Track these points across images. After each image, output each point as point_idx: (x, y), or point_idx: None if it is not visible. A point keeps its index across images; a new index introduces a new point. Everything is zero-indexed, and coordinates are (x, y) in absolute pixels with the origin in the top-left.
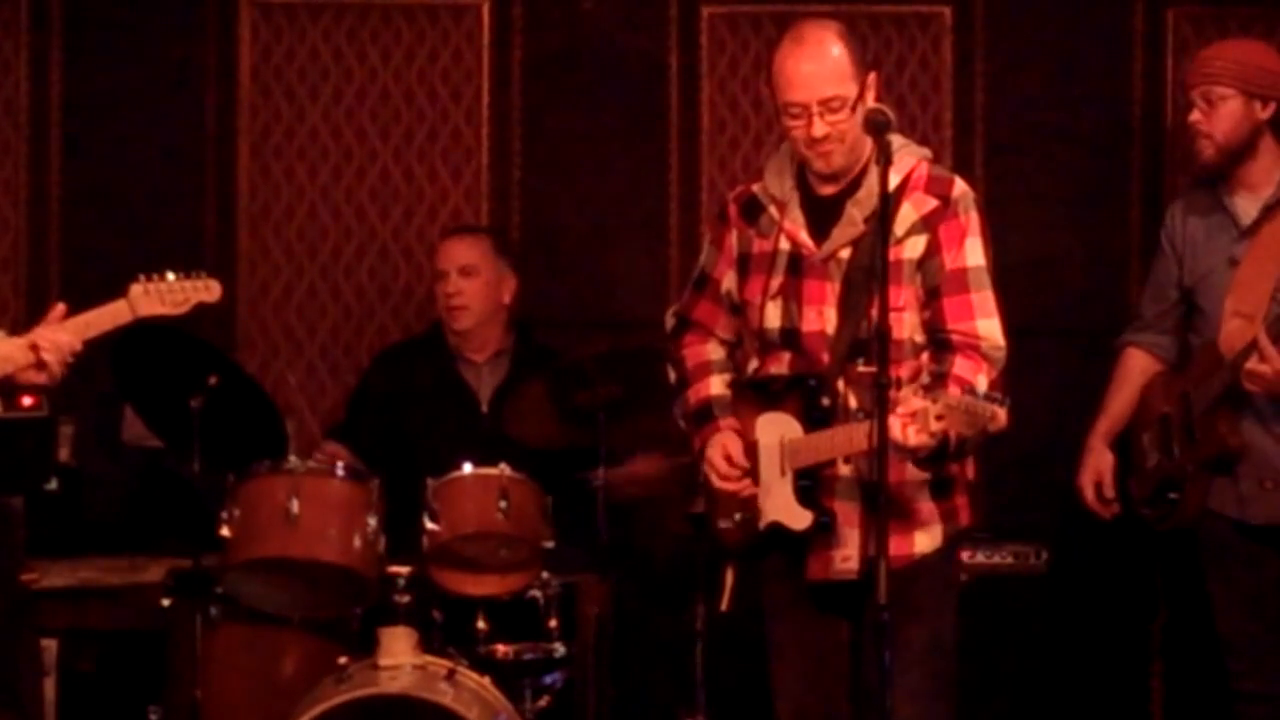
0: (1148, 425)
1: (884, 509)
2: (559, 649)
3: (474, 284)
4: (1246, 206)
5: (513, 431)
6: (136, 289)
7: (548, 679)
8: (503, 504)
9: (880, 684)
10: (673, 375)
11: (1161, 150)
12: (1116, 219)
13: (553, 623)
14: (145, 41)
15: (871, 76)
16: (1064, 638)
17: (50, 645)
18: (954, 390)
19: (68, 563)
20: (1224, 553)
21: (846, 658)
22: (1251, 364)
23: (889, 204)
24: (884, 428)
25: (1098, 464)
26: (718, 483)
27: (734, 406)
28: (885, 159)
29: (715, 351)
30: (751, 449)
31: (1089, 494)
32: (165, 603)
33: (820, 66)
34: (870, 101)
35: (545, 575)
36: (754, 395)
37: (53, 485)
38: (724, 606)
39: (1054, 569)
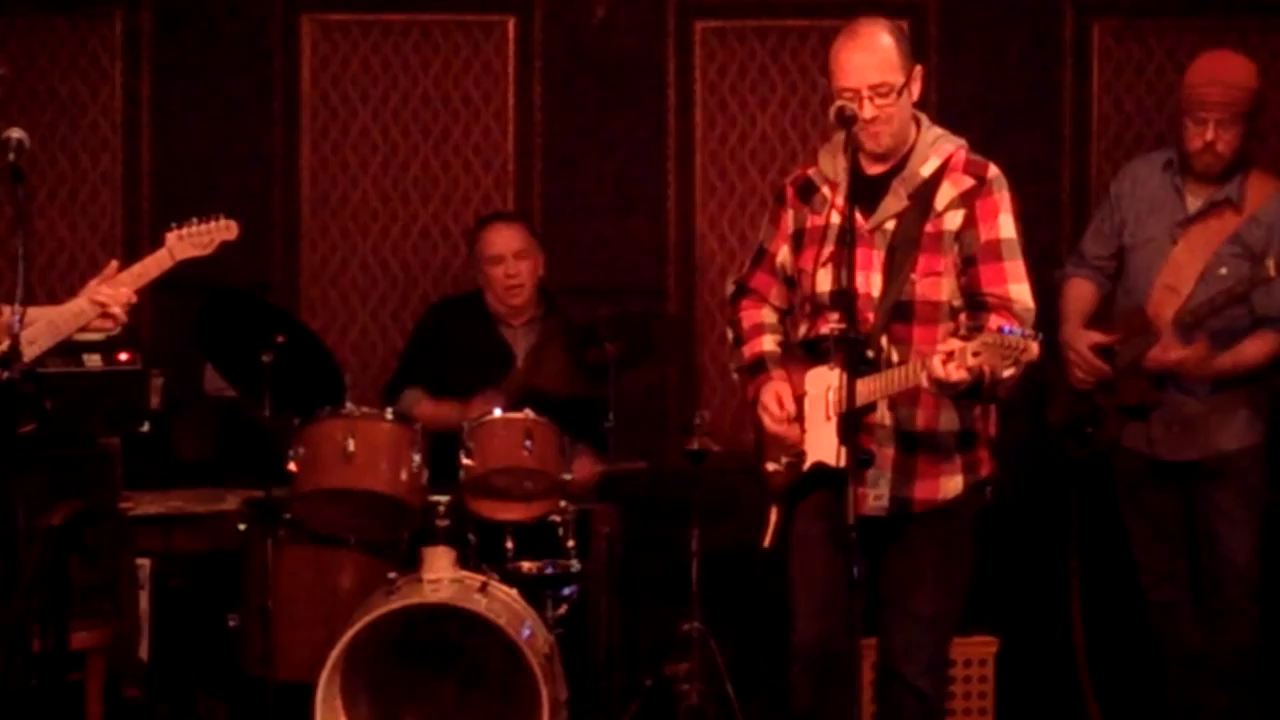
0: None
1: (852, 439)
2: (575, 565)
3: (526, 265)
4: (1195, 197)
5: (540, 384)
6: (172, 237)
7: (565, 591)
8: (528, 443)
9: (849, 598)
10: (730, 334)
11: (1088, 144)
12: (1047, 203)
13: (570, 543)
14: (223, 54)
15: (918, 69)
16: (1003, 550)
17: (144, 564)
18: (990, 328)
19: (158, 494)
20: (1136, 484)
21: (863, 593)
22: (1155, 352)
23: (852, 188)
24: (852, 382)
25: (1086, 337)
26: (769, 424)
27: (785, 364)
28: (851, 148)
29: (768, 315)
30: (800, 401)
31: (1087, 357)
32: (241, 527)
33: (871, 56)
34: (916, 93)
35: (563, 503)
36: (804, 355)
37: (145, 428)
38: (767, 543)
39: (994, 497)
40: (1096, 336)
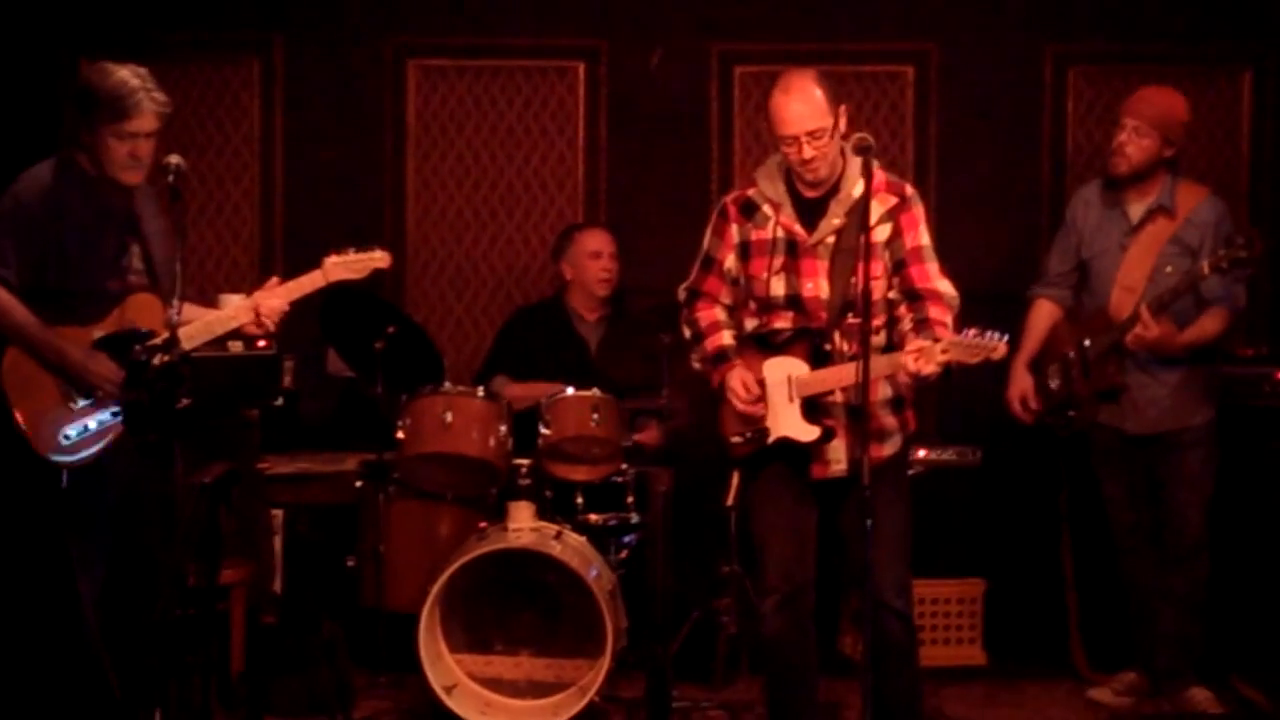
0: (1052, 360)
1: (866, 421)
2: (635, 518)
3: (618, 264)
4: (1135, 210)
5: (614, 373)
6: (329, 261)
7: (626, 539)
8: (595, 416)
9: (862, 538)
10: (688, 332)
11: (1064, 170)
12: (1029, 219)
13: (630, 499)
14: (343, 93)
15: (843, 108)
16: (993, 509)
17: (277, 514)
18: (943, 331)
19: (289, 456)
20: (1109, 455)
21: (815, 536)
22: (1137, 331)
23: (869, 205)
24: (867, 360)
25: (1021, 384)
26: (739, 405)
27: (740, 353)
28: (868, 173)
29: (721, 313)
30: (759, 384)
31: (1016, 406)
32: (358, 484)
33: (805, 106)
34: (843, 127)
35: (625, 466)
36: (756, 346)
37: (279, 402)
38: (730, 501)
39: (985, 463)
40: (1029, 391)
